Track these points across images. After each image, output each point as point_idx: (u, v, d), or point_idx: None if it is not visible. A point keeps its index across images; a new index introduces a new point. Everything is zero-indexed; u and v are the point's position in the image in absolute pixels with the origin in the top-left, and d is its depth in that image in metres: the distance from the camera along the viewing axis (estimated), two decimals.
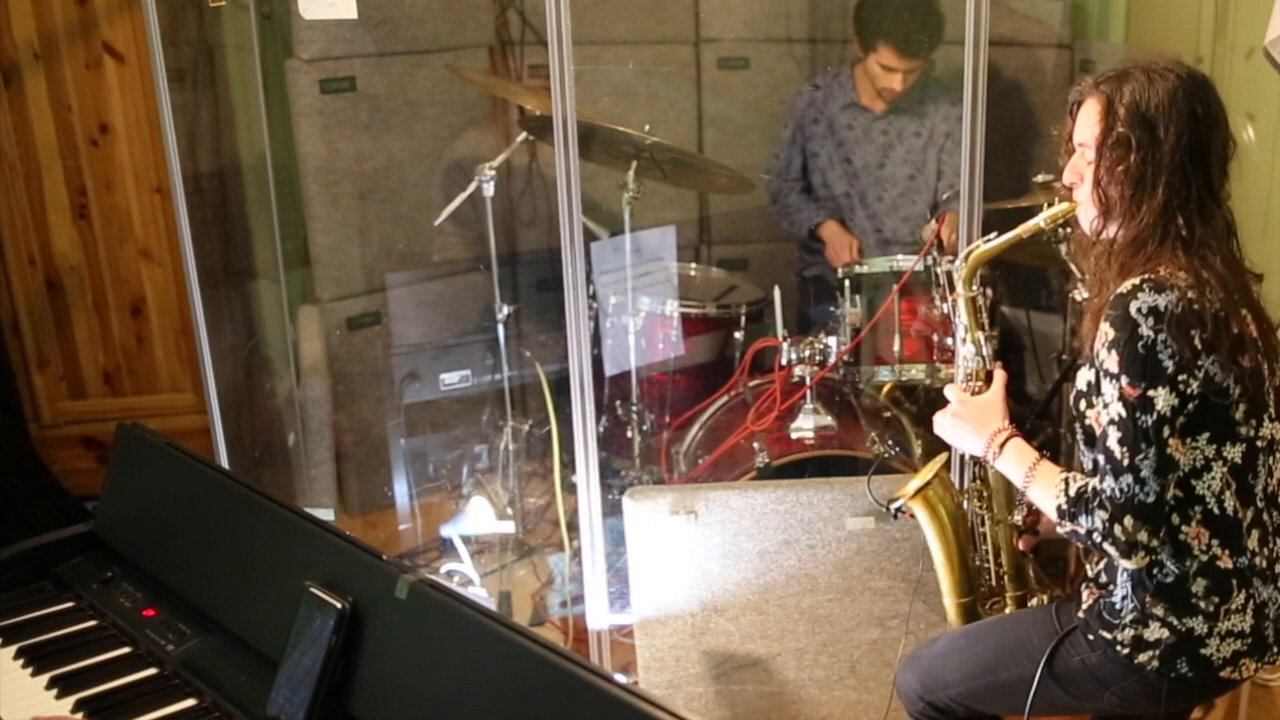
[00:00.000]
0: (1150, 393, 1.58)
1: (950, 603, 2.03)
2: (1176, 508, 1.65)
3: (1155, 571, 1.67)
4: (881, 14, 3.18)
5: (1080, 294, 2.86)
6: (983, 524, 2.01)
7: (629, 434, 3.08)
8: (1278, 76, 2.49)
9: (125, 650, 1.70)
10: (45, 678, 1.63)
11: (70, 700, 1.58)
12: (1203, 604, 1.66)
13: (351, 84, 3.31)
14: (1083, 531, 1.64)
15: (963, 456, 2.09)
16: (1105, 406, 1.62)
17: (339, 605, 1.42)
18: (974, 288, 1.93)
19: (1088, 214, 1.74)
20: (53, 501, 3.35)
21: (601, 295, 3.08)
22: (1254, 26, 2.59)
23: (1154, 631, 1.68)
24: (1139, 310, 1.58)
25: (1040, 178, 2.86)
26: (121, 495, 1.95)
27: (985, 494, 2.00)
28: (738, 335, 3.11)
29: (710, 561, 2.40)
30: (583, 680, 1.21)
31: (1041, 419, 3.35)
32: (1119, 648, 1.71)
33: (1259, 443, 1.67)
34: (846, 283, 2.90)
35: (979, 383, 1.93)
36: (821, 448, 2.65)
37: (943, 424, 1.91)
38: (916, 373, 2.83)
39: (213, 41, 3.34)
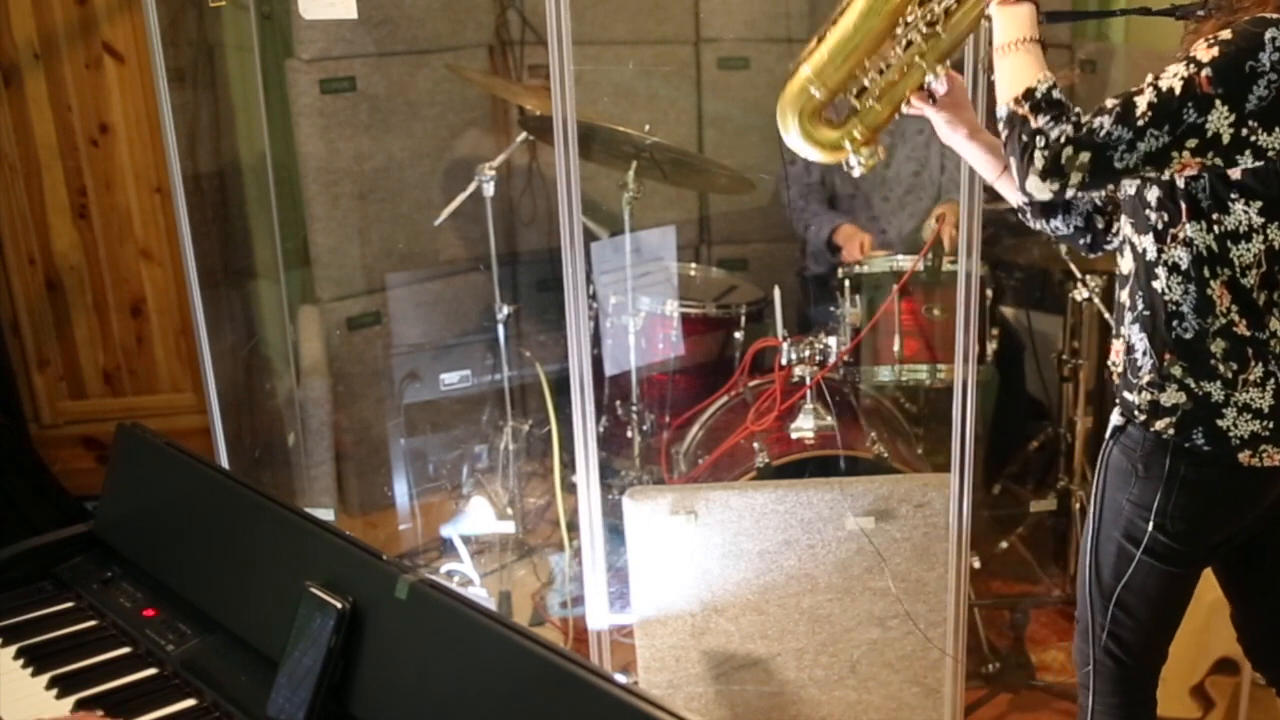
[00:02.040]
0: (1218, 103, 1.50)
1: (808, 86, 1.76)
2: (1209, 261, 1.62)
3: (1175, 324, 1.64)
4: None
5: (1080, 294, 2.86)
6: (904, 48, 1.75)
7: (629, 434, 3.08)
8: None
9: (125, 650, 1.70)
10: (45, 678, 1.63)
11: (70, 700, 1.58)
12: (1220, 367, 1.63)
13: (351, 84, 3.31)
14: (1033, 125, 1.55)
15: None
16: (1158, 77, 1.52)
17: (339, 605, 1.42)
18: None
19: None
20: (53, 501, 3.35)
21: (601, 295, 3.08)
22: None
23: (1170, 396, 1.65)
24: (1273, 39, 1.49)
25: None
26: (121, 495, 1.95)
27: (937, 27, 1.73)
28: (738, 335, 3.11)
29: (710, 561, 2.40)
30: (583, 680, 1.21)
31: (1041, 419, 3.36)
32: (1137, 413, 1.68)
33: None
34: (846, 283, 2.90)
35: None
36: (821, 448, 2.65)
37: None
38: (917, 373, 2.83)
39: (213, 41, 3.34)
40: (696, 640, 2.45)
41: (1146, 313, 1.68)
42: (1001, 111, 1.62)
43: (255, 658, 1.56)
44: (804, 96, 1.78)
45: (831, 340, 2.86)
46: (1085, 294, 2.82)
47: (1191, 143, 1.52)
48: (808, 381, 2.76)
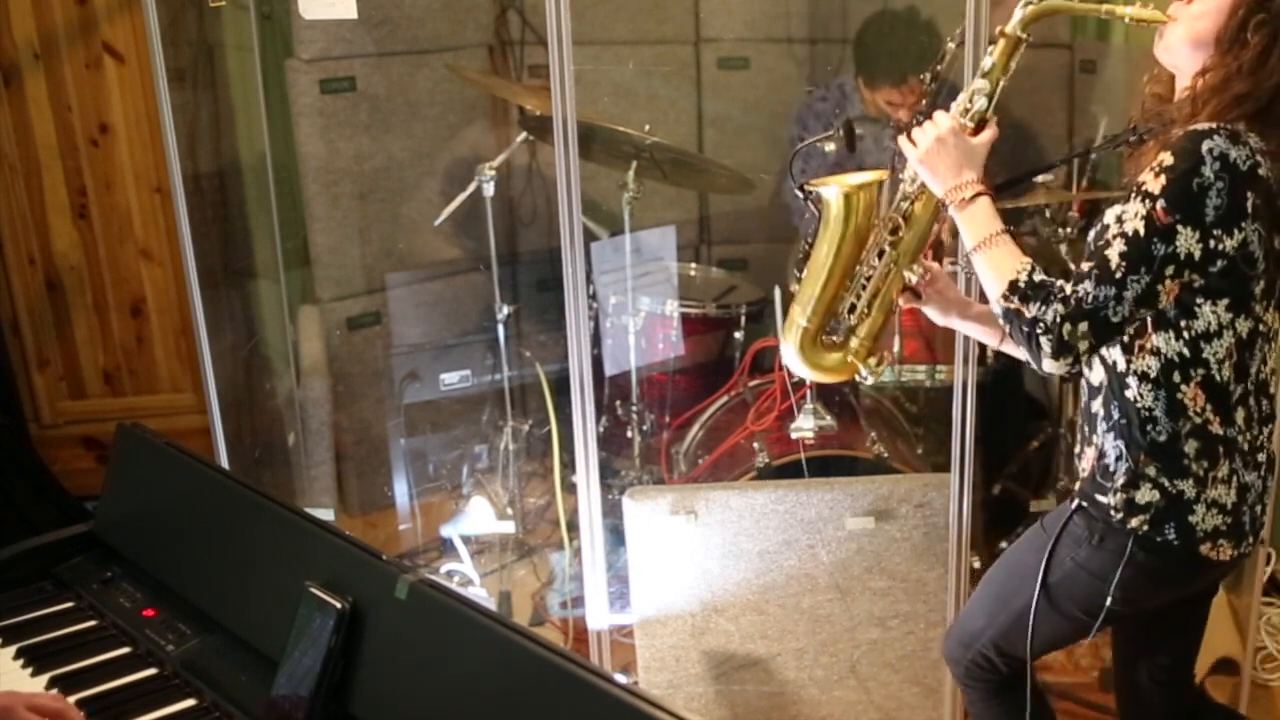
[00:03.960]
0: (1180, 227, 1.56)
1: (797, 319, 1.90)
2: (1180, 365, 1.66)
3: (1149, 429, 1.68)
4: (877, 55, 3.20)
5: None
6: (878, 259, 1.86)
7: (629, 434, 3.08)
8: None
9: (125, 650, 1.70)
10: (45, 678, 1.63)
11: (70, 700, 1.58)
12: (1194, 466, 1.68)
13: (351, 84, 3.31)
14: (1028, 315, 1.61)
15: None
16: (1120, 223, 1.59)
17: (339, 605, 1.42)
18: (1026, 33, 1.74)
19: (1179, 39, 1.67)
20: (53, 501, 3.35)
21: (601, 295, 3.08)
22: None
23: (1145, 494, 1.69)
24: (1210, 151, 1.55)
25: (1040, 178, 2.86)
26: (121, 495, 1.95)
27: (900, 232, 1.85)
28: (738, 335, 3.11)
29: (710, 561, 2.40)
30: (583, 680, 1.21)
31: (1040, 419, 3.36)
32: (1112, 513, 1.71)
33: (1262, 326, 1.68)
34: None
35: (971, 125, 1.77)
36: (821, 448, 2.65)
37: (922, 142, 1.76)
38: (916, 373, 2.82)
39: (213, 41, 3.34)
40: (696, 640, 2.45)
41: (1122, 421, 1.71)
42: (996, 310, 1.68)
43: (255, 658, 1.56)
44: (796, 329, 1.90)
45: None
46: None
47: (1169, 270, 1.58)
48: (808, 381, 2.76)
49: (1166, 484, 1.69)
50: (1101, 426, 1.75)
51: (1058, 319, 1.59)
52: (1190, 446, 1.68)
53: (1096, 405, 1.76)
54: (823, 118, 3.34)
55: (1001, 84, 1.76)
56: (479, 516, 3.18)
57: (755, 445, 2.66)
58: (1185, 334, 1.65)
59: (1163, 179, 1.57)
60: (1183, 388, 1.67)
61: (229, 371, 3.10)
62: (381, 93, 3.38)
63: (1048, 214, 2.98)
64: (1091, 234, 1.69)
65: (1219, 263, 1.59)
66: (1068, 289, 1.60)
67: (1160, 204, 1.56)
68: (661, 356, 3.09)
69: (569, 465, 2.78)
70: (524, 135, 3.20)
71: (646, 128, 2.92)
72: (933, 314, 1.93)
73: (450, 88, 3.52)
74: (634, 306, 3.01)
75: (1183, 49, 1.67)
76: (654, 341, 3.08)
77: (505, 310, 3.15)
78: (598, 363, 3.06)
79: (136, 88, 3.47)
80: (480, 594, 2.97)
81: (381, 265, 3.48)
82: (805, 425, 2.71)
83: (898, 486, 2.38)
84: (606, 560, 2.54)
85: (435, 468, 3.57)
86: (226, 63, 3.36)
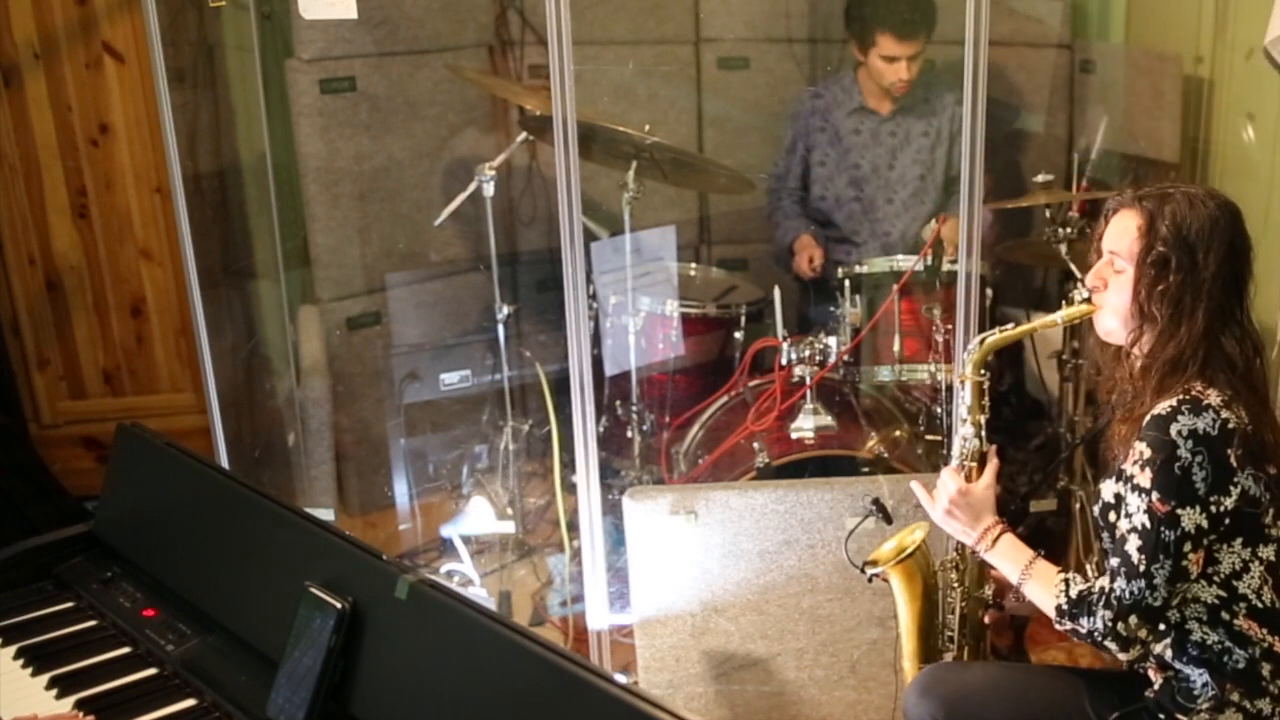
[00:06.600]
0: (1179, 511, 1.64)
1: (910, 667, 2.08)
2: (1223, 605, 1.72)
3: (1226, 660, 1.72)
4: (874, 5, 3.19)
5: (1080, 294, 2.85)
6: (951, 594, 2.07)
7: (629, 434, 3.08)
8: (1277, 76, 2.50)
9: (125, 650, 1.70)
10: (45, 678, 1.63)
11: (70, 700, 1.58)
12: (1271, 686, 1.72)
13: (351, 84, 3.31)
14: (1083, 631, 1.71)
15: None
16: (1128, 516, 1.69)
17: (339, 605, 1.43)
18: (982, 373, 1.99)
19: (1110, 322, 1.82)
20: (53, 501, 3.35)
21: (601, 295, 3.08)
22: (1254, 26, 2.60)
23: (1229, 716, 1.73)
24: (1179, 433, 1.64)
25: (1040, 178, 2.86)
26: (121, 495, 1.95)
27: (961, 567, 2.05)
28: (738, 335, 3.11)
29: (710, 561, 2.40)
30: (583, 680, 1.22)
31: (1041, 419, 3.36)
32: None
33: None
34: (846, 283, 2.90)
35: (972, 463, 1.98)
36: (821, 448, 2.65)
37: (936, 508, 1.97)
38: (917, 373, 2.82)
39: (213, 41, 3.34)
40: (696, 640, 2.45)
41: (1204, 655, 1.74)
42: (1059, 626, 1.78)
43: (255, 658, 1.57)
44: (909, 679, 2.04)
45: (831, 340, 2.86)
46: (1085, 294, 2.82)
47: (1187, 547, 1.66)
48: (808, 381, 2.76)
49: (1249, 706, 1.72)
50: (1177, 662, 1.77)
51: (1107, 624, 1.68)
52: (1265, 668, 1.72)
53: (1159, 648, 1.78)
54: (819, 114, 3.34)
55: (983, 418, 1.98)
56: (479, 516, 3.18)
57: (755, 445, 2.66)
58: (1215, 579, 1.71)
59: (1148, 472, 1.66)
60: (1236, 622, 1.72)
61: (229, 371, 3.11)
62: (381, 93, 3.38)
63: (1048, 214, 2.98)
64: (1096, 509, 1.80)
65: (1227, 520, 1.67)
66: (1105, 587, 1.68)
67: (1155, 496, 1.65)
68: (661, 356, 3.09)
69: (569, 465, 2.78)
70: (524, 135, 3.20)
71: (646, 128, 2.92)
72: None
73: (450, 88, 3.52)
74: (634, 306, 3.01)
75: (1116, 328, 1.80)
76: (654, 341, 3.08)
77: (505, 310, 3.15)
78: (598, 363, 3.06)
79: (136, 88, 3.47)
80: (480, 594, 2.97)
81: (381, 265, 3.48)
82: (805, 425, 2.71)
83: (898, 486, 2.37)
84: (606, 560, 2.54)
85: (435, 468, 3.57)
86: (226, 63, 3.36)
